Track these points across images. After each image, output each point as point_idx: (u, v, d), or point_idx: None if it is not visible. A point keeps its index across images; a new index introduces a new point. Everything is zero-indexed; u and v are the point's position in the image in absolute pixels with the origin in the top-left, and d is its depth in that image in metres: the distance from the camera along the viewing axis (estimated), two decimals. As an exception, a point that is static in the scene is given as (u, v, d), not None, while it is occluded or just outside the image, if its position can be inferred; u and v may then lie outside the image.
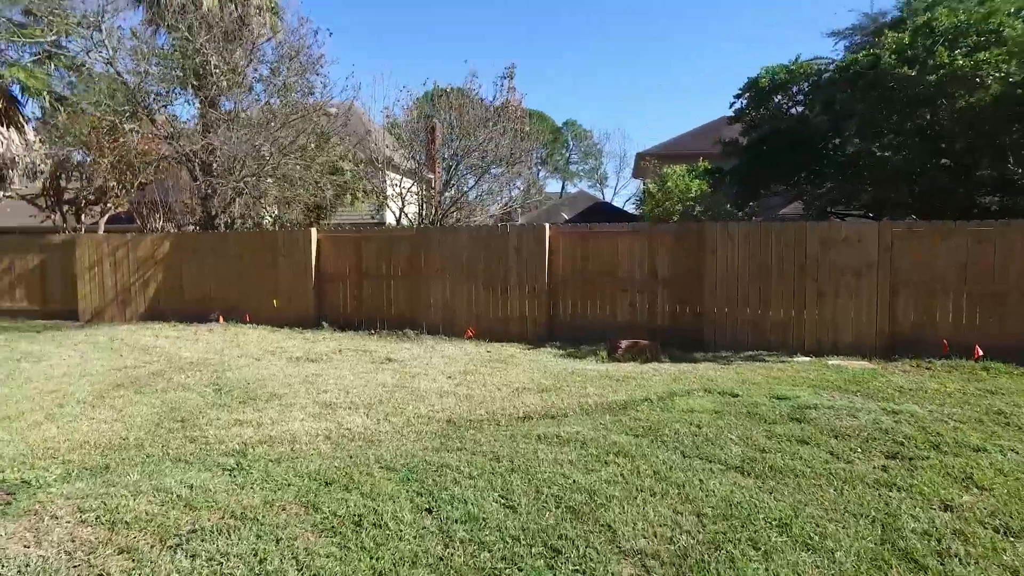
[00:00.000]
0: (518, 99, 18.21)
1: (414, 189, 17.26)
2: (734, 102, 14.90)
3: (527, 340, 10.24)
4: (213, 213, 13.27)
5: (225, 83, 12.54)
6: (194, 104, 13.47)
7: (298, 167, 13.32)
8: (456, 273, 11.02)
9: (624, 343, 8.76)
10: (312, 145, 13.55)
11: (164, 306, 12.57)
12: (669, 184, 18.30)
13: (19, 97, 14.86)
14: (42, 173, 15.77)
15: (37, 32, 12.52)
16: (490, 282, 10.81)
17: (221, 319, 11.67)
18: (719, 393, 6.55)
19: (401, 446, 4.86)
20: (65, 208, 19.51)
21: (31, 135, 15.22)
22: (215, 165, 13.05)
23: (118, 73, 12.02)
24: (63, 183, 18.85)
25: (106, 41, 11.62)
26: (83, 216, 20.25)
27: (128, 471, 4.37)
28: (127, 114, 12.23)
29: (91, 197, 19.39)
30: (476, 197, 18.53)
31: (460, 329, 10.70)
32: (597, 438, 4.96)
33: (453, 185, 17.84)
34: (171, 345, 9.74)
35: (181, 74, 12.61)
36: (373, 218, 18.15)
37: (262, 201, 14.97)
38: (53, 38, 12.19)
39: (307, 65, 13.95)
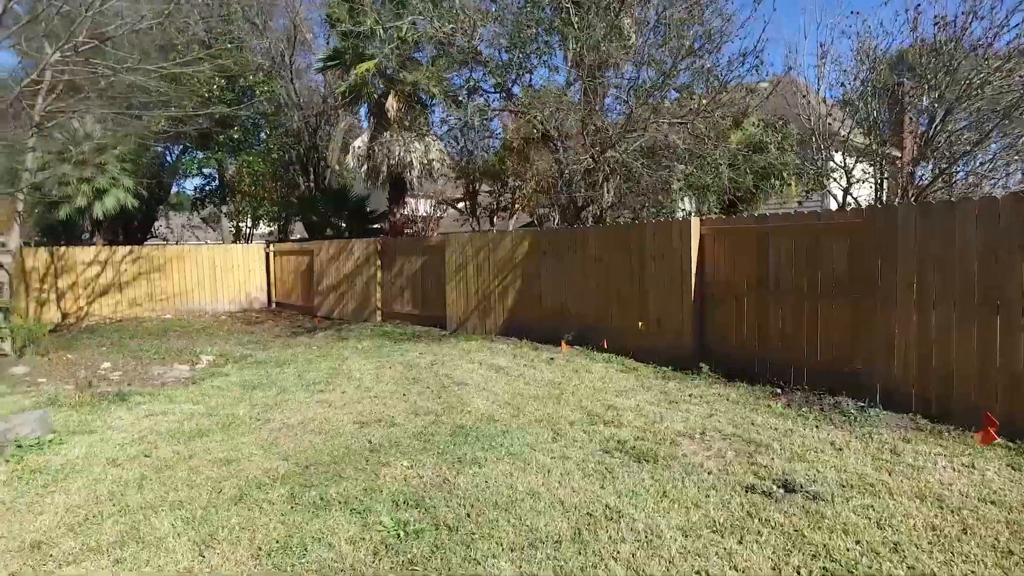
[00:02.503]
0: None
1: (864, 164, 11.55)
2: None
3: None
4: (580, 204, 10.46)
5: (595, 34, 9.56)
6: (551, 64, 10.87)
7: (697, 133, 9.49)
8: (946, 290, 5.61)
9: None
10: (704, 101, 9.53)
11: (521, 318, 10.32)
12: None
13: (423, 98, 14.85)
14: (440, 175, 15.66)
15: (430, 30, 11.57)
16: (1035, 314, 5.09)
17: (564, 345, 8.70)
18: None
19: None
20: (478, 211, 19.94)
21: (428, 137, 15.11)
22: (591, 138, 10.19)
23: (477, 50, 10.18)
24: (476, 186, 19.19)
25: (461, 12, 9.84)
26: (494, 219, 20.48)
27: None
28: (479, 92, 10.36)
29: (500, 199, 19.33)
30: (980, 164, 11.53)
31: (957, 404, 5.32)
32: None
33: (936, 151, 11.37)
34: (481, 383, 7.09)
35: (544, 32, 10.17)
36: (801, 204, 13.04)
37: (665, 189, 11.67)
38: (446, 30, 11.02)
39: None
